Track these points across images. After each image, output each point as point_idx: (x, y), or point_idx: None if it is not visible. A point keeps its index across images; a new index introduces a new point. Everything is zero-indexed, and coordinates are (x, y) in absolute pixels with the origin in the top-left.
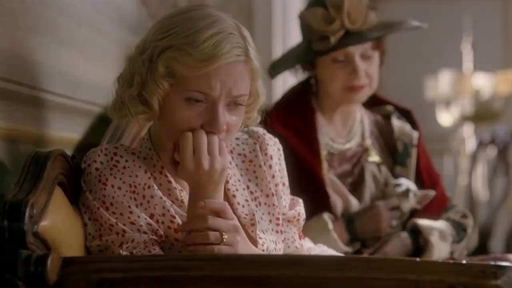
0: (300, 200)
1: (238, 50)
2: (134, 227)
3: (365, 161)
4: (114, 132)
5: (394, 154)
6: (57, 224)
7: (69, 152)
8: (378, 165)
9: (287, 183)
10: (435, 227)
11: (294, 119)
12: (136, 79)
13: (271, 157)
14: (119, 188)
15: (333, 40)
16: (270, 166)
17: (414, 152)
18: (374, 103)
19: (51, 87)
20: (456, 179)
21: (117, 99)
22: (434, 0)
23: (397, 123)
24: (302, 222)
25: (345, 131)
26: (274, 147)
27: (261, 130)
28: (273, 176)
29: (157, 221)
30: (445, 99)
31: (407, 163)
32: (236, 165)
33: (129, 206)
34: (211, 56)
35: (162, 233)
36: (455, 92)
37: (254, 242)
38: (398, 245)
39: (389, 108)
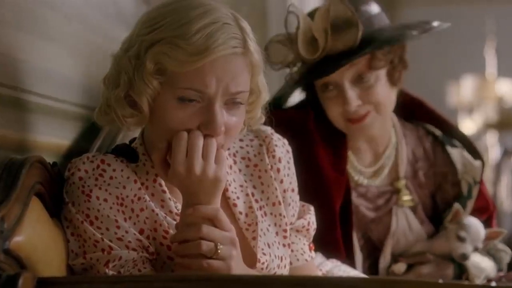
0: (311, 208)
1: (235, 41)
2: (121, 244)
3: (394, 205)
4: (106, 137)
5: (447, 193)
6: (34, 239)
7: (57, 160)
8: (412, 207)
9: (296, 189)
10: (484, 269)
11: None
12: (123, 79)
13: (279, 160)
14: (105, 200)
15: (296, 72)
16: (278, 170)
17: (476, 191)
18: (420, 115)
19: (35, 88)
20: None
21: (103, 103)
22: (456, 3)
23: (455, 154)
24: (312, 232)
25: (372, 159)
26: (282, 148)
27: (268, 130)
28: (282, 181)
29: (148, 237)
30: (468, 106)
31: (467, 205)
32: (240, 170)
33: (116, 220)
34: (204, 48)
35: (153, 250)
36: (478, 98)
37: (254, 257)
38: (437, 270)
39: (437, 133)
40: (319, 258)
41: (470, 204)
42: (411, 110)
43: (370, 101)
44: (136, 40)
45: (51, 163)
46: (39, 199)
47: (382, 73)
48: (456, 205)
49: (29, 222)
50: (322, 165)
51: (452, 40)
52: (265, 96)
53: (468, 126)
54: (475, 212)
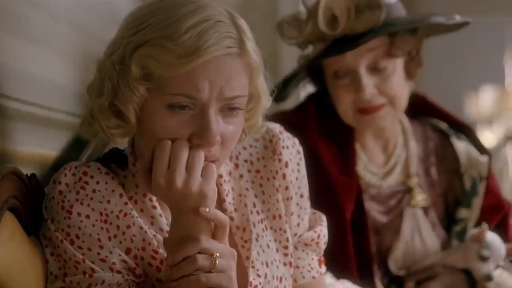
0: (323, 217)
1: (229, 40)
2: (105, 265)
3: (406, 205)
4: (96, 147)
5: (457, 191)
6: (6, 259)
7: (42, 172)
8: (425, 208)
9: (306, 194)
10: (506, 285)
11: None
12: (106, 86)
13: (286, 164)
14: (87, 216)
15: (311, 50)
16: (284, 176)
17: (482, 187)
18: (424, 111)
19: (15, 93)
20: None
21: (87, 113)
22: (475, 12)
23: (461, 146)
24: (322, 246)
25: (384, 158)
26: (292, 149)
27: (277, 128)
28: (287, 188)
29: (135, 257)
30: (487, 118)
31: (473, 204)
32: (241, 176)
33: (99, 239)
34: (194, 49)
35: (141, 271)
36: (497, 109)
37: (246, 278)
38: (448, 284)
39: (443, 126)
40: (328, 278)
41: (477, 202)
42: (414, 106)
43: (386, 92)
44: (120, 43)
45: (28, 175)
46: (14, 215)
47: (399, 64)
48: (484, 226)
49: (0, 240)
50: (328, 168)
51: (471, 50)
52: (266, 102)
53: (488, 138)
54: (488, 211)
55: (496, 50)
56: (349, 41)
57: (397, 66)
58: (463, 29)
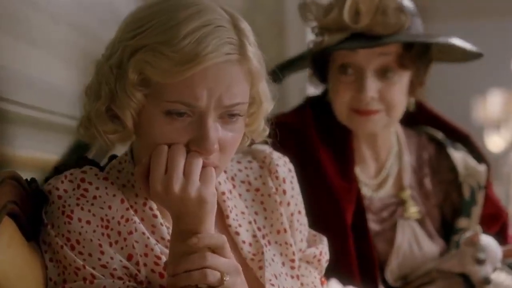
0: (324, 238)
1: (229, 47)
2: (106, 271)
3: (399, 217)
4: (98, 151)
5: (455, 201)
6: (5, 266)
7: (43, 177)
8: (419, 220)
9: (303, 211)
10: (504, 285)
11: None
12: (104, 90)
13: (283, 181)
14: (88, 222)
15: (326, 38)
16: (285, 192)
17: (481, 196)
18: (422, 118)
19: (15, 96)
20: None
21: (84, 116)
22: (483, 17)
23: (458, 156)
24: (324, 264)
25: (375, 169)
26: (284, 167)
27: (267, 149)
28: (288, 204)
29: (137, 263)
30: (495, 122)
31: (472, 213)
32: (240, 195)
33: (100, 245)
34: (192, 56)
35: (143, 278)
36: (505, 113)
37: (260, 286)
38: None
39: (439, 136)
40: (334, 284)
41: (476, 211)
42: (412, 113)
43: (386, 99)
44: (118, 46)
45: (28, 179)
46: (13, 220)
47: (405, 77)
48: (478, 228)
49: None
50: (328, 171)
51: None
52: (268, 106)
53: (495, 143)
54: (487, 220)
55: (503, 53)
56: (367, 40)
57: (403, 78)
58: (470, 33)
